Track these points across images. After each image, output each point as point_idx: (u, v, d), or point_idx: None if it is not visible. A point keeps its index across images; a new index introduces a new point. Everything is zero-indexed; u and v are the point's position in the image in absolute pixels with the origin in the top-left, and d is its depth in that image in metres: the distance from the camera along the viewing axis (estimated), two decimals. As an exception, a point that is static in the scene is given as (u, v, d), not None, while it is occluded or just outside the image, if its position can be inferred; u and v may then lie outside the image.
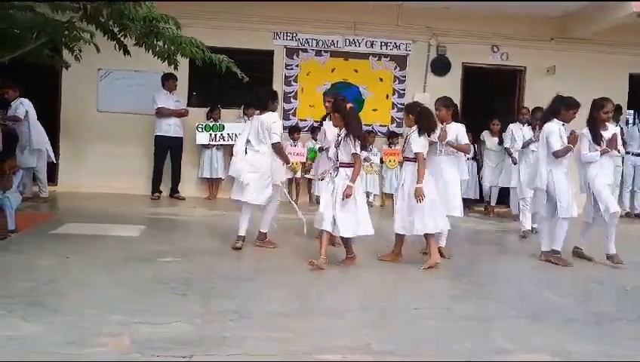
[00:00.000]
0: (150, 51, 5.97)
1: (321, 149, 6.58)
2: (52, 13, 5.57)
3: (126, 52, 6.19)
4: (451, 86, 10.04)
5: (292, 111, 9.96)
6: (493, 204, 9.42)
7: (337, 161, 5.53)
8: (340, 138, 5.50)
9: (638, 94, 10.21)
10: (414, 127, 5.74)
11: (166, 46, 5.82)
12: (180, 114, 9.28)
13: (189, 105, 9.73)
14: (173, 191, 9.42)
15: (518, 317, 4.33)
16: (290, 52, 9.98)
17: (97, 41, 6.69)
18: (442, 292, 5.03)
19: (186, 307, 4.15)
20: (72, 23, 5.84)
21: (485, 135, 9.36)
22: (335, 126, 5.71)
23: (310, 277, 5.21)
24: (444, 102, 6.24)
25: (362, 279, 5.29)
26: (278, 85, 9.92)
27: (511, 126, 8.52)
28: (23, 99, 8.30)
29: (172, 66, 6.30)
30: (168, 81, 9.14)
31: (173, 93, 9.29)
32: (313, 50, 10.00)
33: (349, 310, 4.28)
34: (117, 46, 6.10)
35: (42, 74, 8.57)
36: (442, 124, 6.08)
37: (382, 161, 9.84)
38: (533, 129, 7.23)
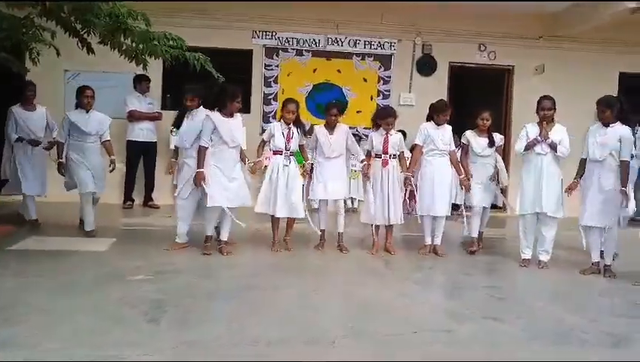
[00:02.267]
0: (116, 50, 5.47)
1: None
2: (7, 9, 5.04)
3: (90, 51, 5.67)
4: (437, 86, 9.70)
5: (272, 113, 9.46)
6: (481, 229, 6.77)
7: (289, 151, 6.15)
8: (290, 131, 6.16)
9: (629, 94, 9.89)
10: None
11: (134, 44, 5.32)
12: (153, 117, 8.78)
13: (163, 107, 9.19)
14: (147, 200, 8.90)
15: (528, 339, 3.92)
16: (270, 51, 9.51)
17: (61, 40, 6.18)
18: (441, 310, 4.58)
19: (157, 336, 3.68)
20: (30, 18, 5.32)
21: (470, 135, 6.59)
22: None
23: (297, 296, 4.76)
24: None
25: (354, 298, 4.82)
26: (257, 86, 9.49)
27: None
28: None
29: (141, 66, 5.82)
30: (141, 83, 8.65)
31: (146, 96, 8.78)
32: (294, 49, 9.54)
33: (341, 336, 3.83)
34: (80, 44, 5.58)
35: (5, 75, 7.97)
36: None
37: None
38: (540, 125, 6.27)
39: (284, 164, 6.15)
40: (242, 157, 6.15)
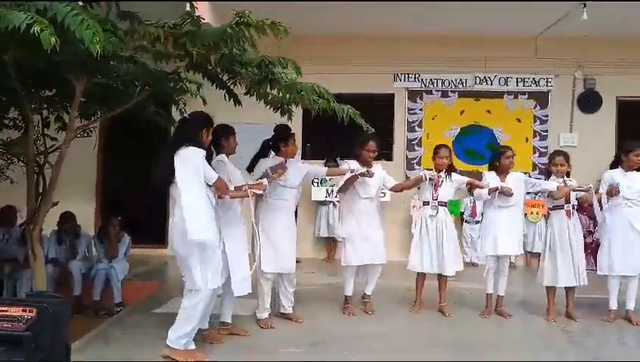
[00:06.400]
0: (262, 101, 5.19)
1: None
2: (155, 64, 4.92)
3: (237, 102, 5.44)
4: (603, 124, 8.73)
5: (417, 159, 8.90)
6: (631, 307, 5.46)
7: (436, 200, 5.62)
8: (440, 179, 5.62)
9: None
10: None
11: (280, 94, 5.00)
12: (295, 168, 8.49)
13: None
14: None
15: None
16: (413, 94, 8.99)
17: (203, 94, 6.08)
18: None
19: None
20: (177, 73, 5.19)
21: (615, 175, 5.49)
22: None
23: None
24: None
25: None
26: (399, 132, 8.95)
27: None
28: None
29: (286, 117, 5.54)
30: (282, 133, 8.41)
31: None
32: (439, 90, 8.95)
33: None
34: (227, 96, 5.36)
35: (152, 129, 8.09)
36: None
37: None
38: None
39: (429, 215, 5.60)
40: None
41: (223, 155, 4.66)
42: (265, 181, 4.59)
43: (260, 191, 4.55)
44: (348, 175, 5.37)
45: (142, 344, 4.57)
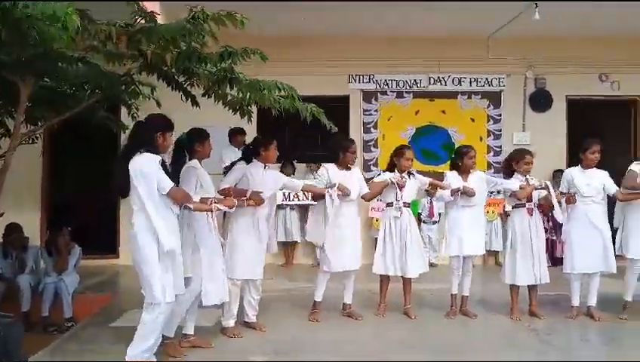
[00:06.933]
0: (220, 102, 5.00)
1: None
2: (107, 65, 4.67)
3: (194, 103, 5.23)
4: (554, 123, 8.89)
5: (373, 161, 8.86)
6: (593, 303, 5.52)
7: (400, 201, 5.47)
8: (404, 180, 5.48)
9: None
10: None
11: (241, 94, 4.83)
12: (250, 171, 8.30)
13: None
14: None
15: None
16: (368, 96, 8.95)
17: (157, 96, 5.86)
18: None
19: None
20: (130, 75, 4.95)
21: (574, 172, 5.56)
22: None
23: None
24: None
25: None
26: (356, 133, 8.87)
27: None
28: None
29: (246, 118, 5.38)
30: (236, 136, 8.23)
31: (242, 149, 8.34)
32: (394, 91, 8.93)
33: None
34: (183, 97, 5.15)
35: (102, 133, 7.75)
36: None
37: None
38: None
39: (394, 216, 5.49)
40: None
41: (195, 161, 4.51)
42: (235, 202, 4.47)
43: (226, 208, 4.39)
44: (327, 197, 5.23)
45: (102, 358, 4.35)
